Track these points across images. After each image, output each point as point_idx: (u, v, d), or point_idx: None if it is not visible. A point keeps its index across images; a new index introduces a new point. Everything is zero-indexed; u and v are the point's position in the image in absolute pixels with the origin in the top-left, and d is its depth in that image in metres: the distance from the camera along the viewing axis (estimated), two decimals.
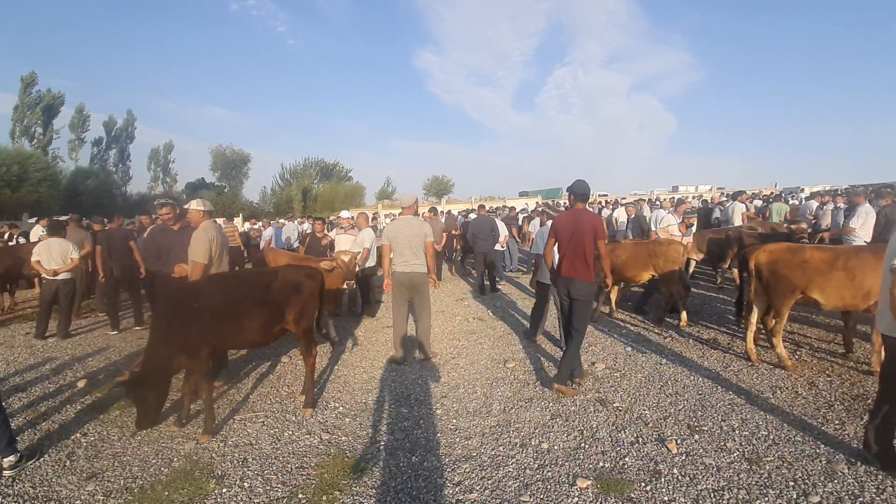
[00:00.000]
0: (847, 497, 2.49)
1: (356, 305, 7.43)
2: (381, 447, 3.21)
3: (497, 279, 8.93)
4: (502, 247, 9.44)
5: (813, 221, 9.77)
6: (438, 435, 3.36)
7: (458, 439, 3.30)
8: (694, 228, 7.92)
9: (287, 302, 3.62)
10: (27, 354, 5.48)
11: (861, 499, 2.47)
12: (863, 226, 6.13)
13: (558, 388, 4.01)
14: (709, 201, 15.91)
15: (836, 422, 3.30)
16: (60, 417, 3.80)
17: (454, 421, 3.58)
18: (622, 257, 6.17)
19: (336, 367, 4.91)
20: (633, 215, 9.39)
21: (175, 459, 3.11)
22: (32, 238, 10.28)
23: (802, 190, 29.00)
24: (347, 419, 3.66)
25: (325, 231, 9.55)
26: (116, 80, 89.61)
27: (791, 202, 15.44)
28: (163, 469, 3.00)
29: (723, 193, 23.61)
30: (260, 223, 14.45)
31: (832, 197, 11.24)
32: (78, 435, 3.50)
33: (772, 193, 24.68)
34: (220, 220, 15.56)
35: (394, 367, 4.80)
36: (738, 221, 9.47)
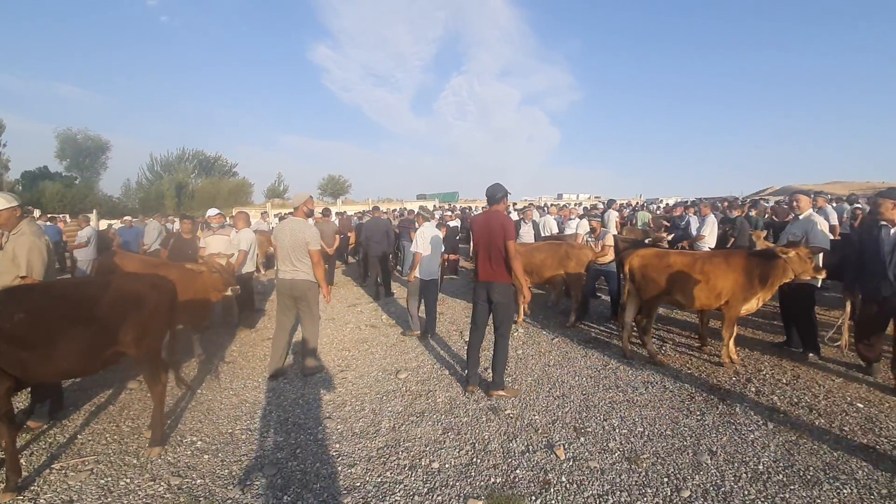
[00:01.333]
0: (712, 488, 2.65)
1: (232, 316, 6.60)
2: (246, 488, 2.73)
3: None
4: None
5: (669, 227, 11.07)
6: (318, 465, 2.97)
7: (340, 468, 2.94)
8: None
9: (122, 319, 2.92)
10: None
11: (723, 488, 2.64)
12: (710, 234, 7.01)
13: (497, 395, 3.90)
14: (588, 209, 17.36)
15: (698, 413, 3.59)
16: None
17: (337, 446, 3.21)
18: (538, 258, 6.29)
19: (199, 390, 4.21)
20: (529, 220, 9.75)
21: None
22: None
23: (661, 200, 33.29)
24: (206, 456, 3.09)
25: (198, 232, 8.42)
26: None
27: (658, 210, 17.50)
28: None
29: (599, 201, 26.11)
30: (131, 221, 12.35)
31: (684, 208, 12.89)
32: None
33: (637, 203, 27.90)
34: (66, 217, 13.06)
35: (272, 387, 4.25)
36: (613, 228, 10.35)
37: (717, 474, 2.78)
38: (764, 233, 7.57)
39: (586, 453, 3.04)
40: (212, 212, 7.10)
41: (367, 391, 4.17)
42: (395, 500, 2.61)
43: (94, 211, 24.13)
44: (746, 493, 2.61)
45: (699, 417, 3.50)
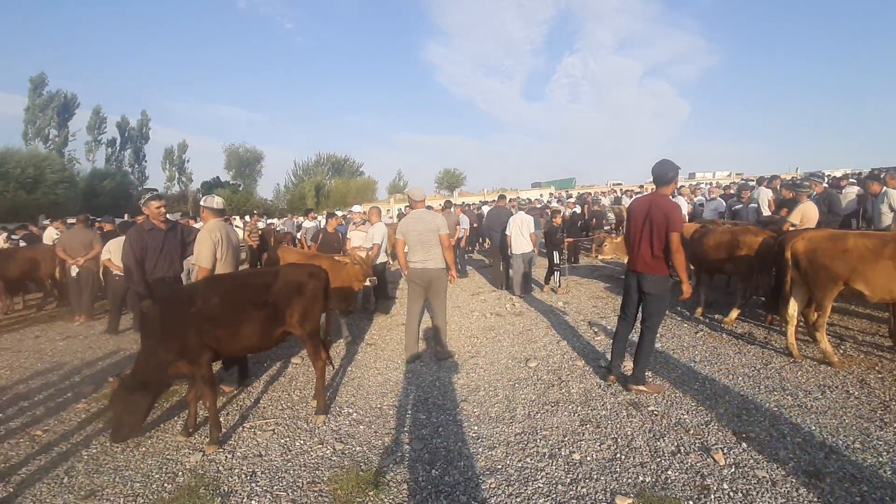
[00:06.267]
0: None
1: (370, 303, 7.22)
2: (398, 459, 2.98)
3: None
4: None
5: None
6: (459, 444, 3.12)
7: (480, 449, 3.05)
8: None
9: (288, 303, 3.39)
10: (34, 360, 5.36)
11: None
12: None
13: (637, 389, 3.69)
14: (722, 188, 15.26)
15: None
16: (63, 427, 3.63)
17: (475, 428, 3.34)
18: (710, 243, 5.74)
19: (350, 368, 4.69)
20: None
21: (179, 474, 2.92)
22: (46, 240, 10.25)
23: (825, 174, 27.92)
24: (362, 426, 3.44)
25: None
26: (129, 82, 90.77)
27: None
28: (166, 486, 2.81)
29: (742, 179, 22.82)
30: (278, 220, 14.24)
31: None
32: (80, 447, 3.32)
33: (793, 178, 23.76)
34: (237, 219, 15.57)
35: (409, 369, 4.57)
36: (765, 209, 8.99)
37: None
38: None
39: (751, 461, 2.72)
40: (355, 209, 7.82)
41: (498, 378, 4.24)
42: (538, 487, 2.62)
43: (255, 212, 28.10)
44: None
45: None
